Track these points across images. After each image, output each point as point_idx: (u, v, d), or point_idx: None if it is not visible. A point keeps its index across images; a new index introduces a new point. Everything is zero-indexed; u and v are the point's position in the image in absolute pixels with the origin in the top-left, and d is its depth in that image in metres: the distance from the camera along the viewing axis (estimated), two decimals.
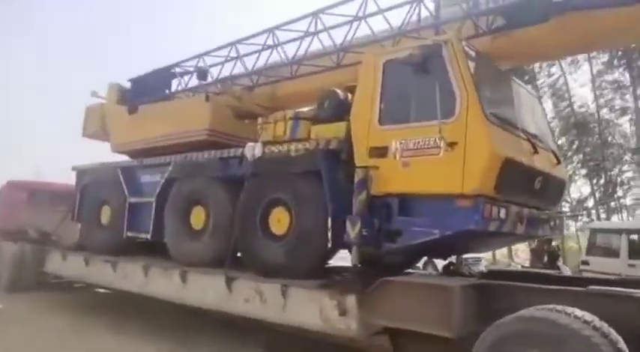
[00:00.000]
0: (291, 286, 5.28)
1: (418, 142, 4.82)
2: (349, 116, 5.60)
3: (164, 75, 8.76)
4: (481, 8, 5.39)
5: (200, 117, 7.44)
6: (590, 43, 5.76)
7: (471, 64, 4.83)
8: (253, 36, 7.20)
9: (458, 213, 4.47)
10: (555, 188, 5.80)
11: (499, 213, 4.63)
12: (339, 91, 5.83)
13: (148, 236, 7.71)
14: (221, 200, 6.71)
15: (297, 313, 5.18)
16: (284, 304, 5.29)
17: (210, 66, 8.00)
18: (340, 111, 5.76)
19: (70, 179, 10.10)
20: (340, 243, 5.27)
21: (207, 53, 7.81)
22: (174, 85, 8.76)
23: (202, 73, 7.63)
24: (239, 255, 6.52)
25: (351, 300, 4.71)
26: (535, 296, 3.99)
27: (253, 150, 6.22)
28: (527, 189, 5.18)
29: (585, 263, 10.09)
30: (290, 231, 5.79)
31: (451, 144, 4.55)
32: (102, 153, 10.02)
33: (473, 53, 5.05)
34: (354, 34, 6.33)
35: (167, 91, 8.75)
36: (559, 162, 5.92)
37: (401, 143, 4.96)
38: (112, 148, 9.30)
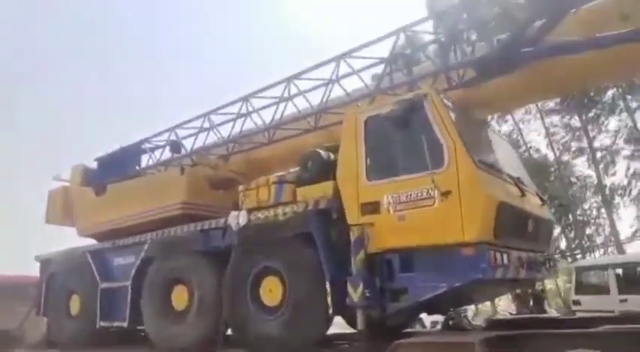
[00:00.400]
0: None
1: (410, 195, 4.75)
2: (334, 175, 5.54)
3: (133, 152, 8.54)
4: (452, 62, 5.57)
5: (175, 191, 7.19)
6: (557, 87, 6.02)
7: (452, 114, 4.92)
8: (227, 105, 7.19)
9: (463, 263, 4.34)
10: (545, 229, 5.81)
11: (502, 259, 4.53)
12: (321, 151, 5.78)
13: (124, 323, 7.14)
14: (205, 275, 6.33)
15: None
16: None
17: (182, 138, 7.86)
18: (324, 170, 5.68)
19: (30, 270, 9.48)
20: (342, 308, 4.99)
21: (178, 126, 7.70)
22: (144, 160, 8.52)
23: (176, 146, 7.48)
24: (229, 332, 6.10)
25: None
26: (557, 341, 3.82)
27: (237, 218, 5.98)
28: (521, 232, 5.15)
29: (576, 302, 10.03)
30: (284, 301, 5.47)
31: (445, 194, 4.50)
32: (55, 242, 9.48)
33: (450, 104, 5.15)
34: (329, 96, 6.40)
35: (137, 168, 8.47)
36: (544, 203, 5.97)
37: (392, 197, 4.87)
38: (78, 232, 8.81)
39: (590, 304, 9.35)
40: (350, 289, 4.74)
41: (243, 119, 7.14)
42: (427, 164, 4.56)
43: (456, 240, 4.40)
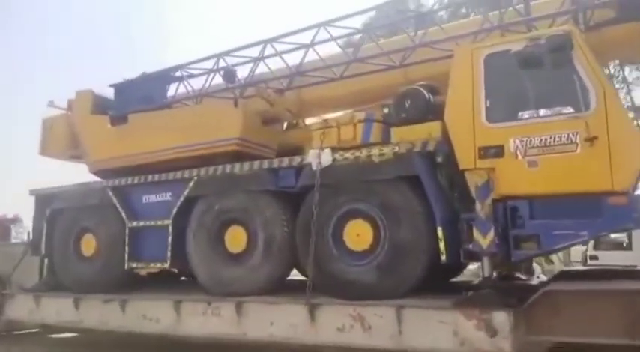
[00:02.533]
0: (408, 307, 4.62)
1: (545, 139, 4.48)
2: (434, 116, 5.18)
3: (160, 79, 7.58)
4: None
5: (228, 125, 6.48)
6: None
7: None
8: (292, 33, 6.45)
9: (612, 212, 4.19)
10: None
11: None
12: (421, 89, 5.35)
13: (165, 264, 6.52)
14: (272, 217, 5.83)
15: (419, 338, 4.53)
16: (399, 329, 4.61)
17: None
18: (424, 110, 5.28)
19: None
20: (457, 255, 4.74)
21: (228, 53, 6.84)
22: (173, 90, 7.60)
23: (230, 74, 6.65)
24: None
25: (501, 318, 4.18)
26: None
27: (319, 157, 5.49)
28: None
29: (594, 257, 10.45)
30: (377, 246, 5.14)
31: (590, 139, 4.28)
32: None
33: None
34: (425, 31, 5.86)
35: (166, 97, 7.56)
36: None
37: (521, 141, 4.59)
38: (89, 167, 7.85)
39: (607, 259, 9.74)
40: (477, 235, 4.50)
41: (305, 50, 6.45)
42: (569, 107, 4.31)
43: (601, 189, 4.23)
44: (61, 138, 8.20)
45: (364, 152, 5.29)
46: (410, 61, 5.80)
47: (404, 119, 5.35)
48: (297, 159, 5.77)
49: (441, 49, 5.49)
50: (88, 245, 7.39)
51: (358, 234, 5.31)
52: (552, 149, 4.45)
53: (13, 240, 12.30)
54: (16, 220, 13.02)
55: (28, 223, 11.64)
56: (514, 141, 4.63)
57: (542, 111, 4.65)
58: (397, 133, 5.31)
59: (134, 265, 6.82)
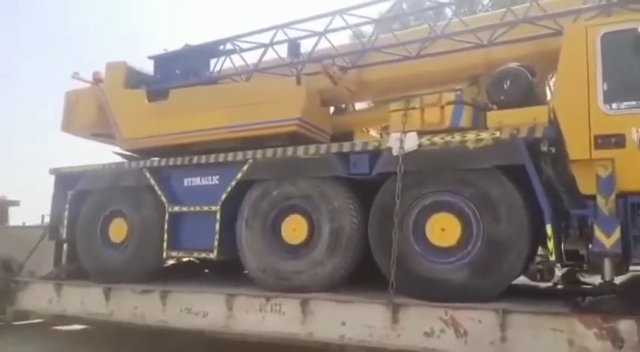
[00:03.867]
0: (515, 313, 4.08)
1: None
2: (533, 99, 4.69)
3: (205, 52, 6.96)
4: None
5: (289, 104, 5.89)
6: None
7: None
8: (363, 5, 5.89)
9: None
10: None
11: None
12: (523, 69, 4.83)
13: (212, 254, 5.90)
14: (340, 207, 5.26)
15: (525, 346, 4.00)
16: (501, 336, 4.07)
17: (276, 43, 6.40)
18: (525, 94, 4.78)
19: None
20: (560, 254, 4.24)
21: (290, 24, 6.23)
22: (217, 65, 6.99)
23: (295, 48, 6.06)
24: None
25: (627, 327, 3.68)
26: None
27: (401, 142, 4.94)
28: None
29: None
30: (469, 242, 4.61)
31: None
32: None
33: None
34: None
35: (211, 72, 6.95)
36: None
37: None
38: (122, 145, 7.19)
39: None
40: (599, 234, 3.99)
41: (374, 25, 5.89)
42: None
43: None
44: (88, 113, 7.50)
45: (457, 137, 4.76)
46: (501, 39, 5.27)
47: (501, 102, 4.83)
48: (373, 143, 5.22)
49: (543, 25, 4.98)
50: (118, 230, 6.74)
51: (443, 229, 4.78)
52: None
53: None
54: (15, 203, 12.21)
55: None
56: (637, 131, 4.13)
57: None
58: (494, 118, 4.77)
59: (174, 254, 6.21)
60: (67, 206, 7.21)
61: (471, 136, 4.69)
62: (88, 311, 6.35)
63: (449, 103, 5.00)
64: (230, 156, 5.97)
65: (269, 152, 5.73)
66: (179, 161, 6.37)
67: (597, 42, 4.41)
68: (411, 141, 4.90)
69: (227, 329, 5.32)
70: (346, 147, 5.35)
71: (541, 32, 5.04)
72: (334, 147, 5.39)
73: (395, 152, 4.94)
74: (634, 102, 4.25)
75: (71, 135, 7.95)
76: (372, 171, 5.15)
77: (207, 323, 5.44)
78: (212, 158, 6.11)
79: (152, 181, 6.47)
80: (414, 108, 5.12)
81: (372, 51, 5.84)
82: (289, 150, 5.61)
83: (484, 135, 4.64)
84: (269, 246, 5.59)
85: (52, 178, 7.59)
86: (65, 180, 7.45)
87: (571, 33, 4.58)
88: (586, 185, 4.35)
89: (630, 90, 4.31)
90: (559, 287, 5.88)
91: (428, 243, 4.81)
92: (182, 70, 7.02)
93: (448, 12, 6.45)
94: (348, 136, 6.59)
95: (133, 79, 7.39)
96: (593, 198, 4.28)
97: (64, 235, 7.22)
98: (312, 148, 5.51)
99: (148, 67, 7.60)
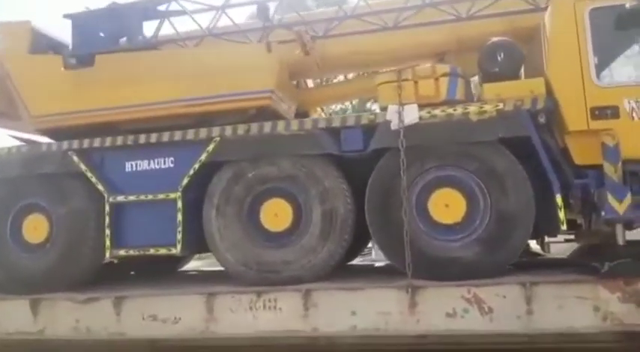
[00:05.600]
0: (541, 284, 4.07)
1: None
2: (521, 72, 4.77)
3: (138, 13, 5.85)
4: None
5: (259, 75, 5.19)
6: None
7: None
8: None
9: None
10: None
11: None
12: (514, 42, 4.82)
13: (174, 249, 5.04)
14: (332, 188, 4.81)
15: (552, 317, 4.01)
16: (527, 309, 4.04)
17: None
18: (518, 66, 4.80)
19: None
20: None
21: None
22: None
23: (264, 11, 5.28)
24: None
25: None
26: None
27: (400, 115, 4.64)
28: None
29: None
30: (477, 218, 4.51)
31: None
32: None
33: None
34: None
35: (144, 36, 5.87)
36: None
37: (637, 102, 4.35)
38: (31, 123, 5.79)
39: None
40: (612, 201, 4.12)
41: None
42: None
43: None
44: None
45: (459, 109, 4.59)
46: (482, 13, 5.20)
47: (495, 74, 4.78)
48: (367, 117, 4.83)
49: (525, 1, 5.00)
50: (36, 228, 5.47)
51: (447, 205, 4.61)
52: None
53: None
54: None
55: None
56: (629, 103, 4.36)
57: None
58: (489, 90, 4.69)
59: (121, 252, 5.18)
60: None
61: (473, 108, 4.56)
62: (7, 330, 5.03)
63: (443, 75, 4.81)
64: (191, 135, 5.12)
65: (241, 128, 5.02)
66: (119, 141, 5.32)
67: (586, 18, 4.54)
68: (412, 114, 4.62)
69: (208, 334, 4.58)
70: (336, 121, 4.89)
71: (517, 8, 5.04)
72: (322, 122, 4.90)
73: (394, 126, 4.63)
74: (624, 76, 4.48)
75: None
76: (366, 147, 4.77)
77: (180, 330, 4.63)
78: (166, 136, 5.19)
79: (83, 166, 5.32)
80: (406, 80, 4.84)
81: (348, 19, 5.38)
82: (267, 126, 4.97)
83: (487, 107, 4.54)
84: (247, 236, 4.93)
85: None
86: None
87: (559, 8, 4.65)
88: (582, 156, 4.49)
89: (620, 64, 4.53)
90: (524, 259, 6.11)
91: (432, 220, 4.61)
92: (108, 33, 5.84)
93: None
94: (302, 115, 6.10)
95: (39, 43, 5.99)
96: (588, 168, 4.44)
97: None
98: (294, 123, 4.96)
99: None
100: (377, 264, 6.71)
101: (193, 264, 8.49)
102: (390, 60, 5.89)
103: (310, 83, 6.94)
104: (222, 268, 5.15)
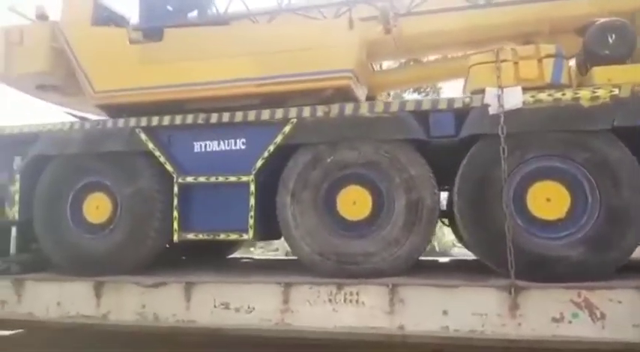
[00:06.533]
0: None
1: None
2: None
3: None
4: None
5: (339, 53, 4.85)
6: None
7: None
8: None
9: None
10: None
11: None
12: (626, 22, 4.36)
13: (246, 235, 4.77)
14: (419, 176, 4.44)
15: None
16: None
17: None
18: (631, 48, 4.34)
19: None
20: None
21: None
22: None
23: None
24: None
25: None
26: None
27: (499, 98, 4.23)
28: None
29: None
30: (584, 213, 4.09)
31: None
32: None
33: None
34: None
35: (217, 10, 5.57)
36: None
37: None
38: (94, 98, 5.55)
39: None
40: None
41: None
42: None
43: None
44: (38, 57, 5.70)
45: (568, 94, 4.16)
46: None
47: (605, 57, 4.33)
48: (461, 100, 4.43)
49: None
50: (98, 208, 5.25)
51: (549, 199, 4.20)
52: None
53: None
54: None
55: None
56: None
57: None
58: (601, 74, 4.26)
59: (190, 236, 4.92)
60: (17, 177, 5.48)
61: (585, 93, 4.12)
62: (68, 313, 4.84)
63: (548, 56, 4.39)
64: (266, 115, 4.81)
65: (320, 110, 4.68)
66: (190, 120, 5.04)
67: None
68: (515, 98, 4.20)
69: (282, 326, 4.29)
70: (426, 104, 4.51)
71: None
72: (410, 105, 4.52)
73: (493, 110, 4.23)
74: None
75: (10, 87, 6.08)
76: (458, 132, 4.39)
77: (253, 321, 4.35)
78: (239, 116, 4.89)
79: (151, 145, 5.07)
80: (505, 60, 4.43)
81: None
82: (348, 108, 4.63)
83: (601, 92, 4.10)
84: (323, 224, 4.61)
85: None
86: (9, 143, 5.66)
87: None
88: None
89: None
90: None
91: (530, 215, 4.21)
92: (176, 6, 5.57)
93: None
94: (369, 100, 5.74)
95: (101, 15, 5.76)
96: None
97: (14, 216, 5.49)
98: (379, 105, 4.59)
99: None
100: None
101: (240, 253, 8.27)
102: (472, 41, 5.46)
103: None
104: (280, 257, 4.87)
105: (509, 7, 5.01)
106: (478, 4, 4.91)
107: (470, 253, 5.48)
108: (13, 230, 5.61)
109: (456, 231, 6.04)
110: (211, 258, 6.56)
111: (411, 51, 5.85)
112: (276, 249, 12.43)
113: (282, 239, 5.05)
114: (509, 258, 3.93)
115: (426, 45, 5.69)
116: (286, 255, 11.77)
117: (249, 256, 8.67)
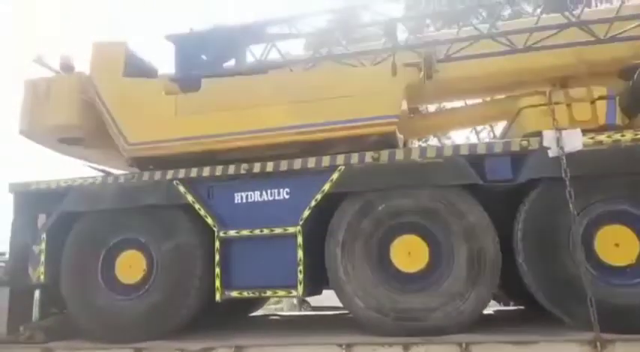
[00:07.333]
0: None
1: None
2: None
3: (246, 34, 5.50)
4: None
5: (384, 100, 4.76)
6: None
7: None
8: None
9: None
10: None
11: None
12: None
13: (294, 291, 4.49)
14: (478, 223, 4.25)
15: None
16: None
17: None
18: None
19: None
20: None
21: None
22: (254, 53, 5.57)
23: (392, 28, 4.89)
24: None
25: None
26: None
27: (559, 141, 4.12)
28: None
29: None
30: None
31: None
32: None
33: None
34: None
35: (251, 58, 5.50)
36: None
37: None
38: (128, 151, 5.35)
39: None
40: None
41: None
42: None
43: None
44: (66, 109, 5.54)
45: (627, 135, 4.07)
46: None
47: None
48: (518, 143, 4.31)
49: None
50: (132, 267, 4.95)
51: (617, 244, 4.02)
52: None
53: None
54: None
55: None
56: None
57: None
58: None
59: (234, 294, 4.62)
60: (43, 236, 5.19)
61: None
62: None
63: (601, 98, 4.34)
64: (312, 163, 4.65)
65: (369, 156, 4.54)
66: (231, 170, 4.86)
67: None
68: (575, 140, 4.10)
69: None
70: (481, 148, 4.39)
71: None
72: (464, 149, 4.39)
73: (553, 153, 4.11)
74: None
75: (31, 141, 5.89)
76: (517, 176, 4.25)
77: None
78: (284, 165, 4.73)
79: (190, 197, 4.85)
80: (557, 103, 4.37)
81: (480, 39, 4.95)
82: (398, 153, 4.49)
83: None
84: (378, 277, 4.36)
85: (9, 198, 5.50)
86: (33, 200, 5.40)
87: None
88: None
89: None
90: None
91: (599, 261, 4.02)
92: (212, 56, 5.50)
93: None
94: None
95: (132, 66, 5.67)
96: None
97: (39, 278, 5.16)
98: (430, 150, 4.46)
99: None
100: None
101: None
102: (509, 85, 5.44)
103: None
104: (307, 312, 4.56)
105: (549, 51, 4.98)
106: (517, 48, 4.87)
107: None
108: (37, 293, 5.27)
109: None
110: (230, 317, 6.11)
111: (447, 95, 5.81)
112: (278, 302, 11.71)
113: None
114: (590, 309, 3.70)
115: (462, 89, 5.64)
116: (290, 309, 11.31)
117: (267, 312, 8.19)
